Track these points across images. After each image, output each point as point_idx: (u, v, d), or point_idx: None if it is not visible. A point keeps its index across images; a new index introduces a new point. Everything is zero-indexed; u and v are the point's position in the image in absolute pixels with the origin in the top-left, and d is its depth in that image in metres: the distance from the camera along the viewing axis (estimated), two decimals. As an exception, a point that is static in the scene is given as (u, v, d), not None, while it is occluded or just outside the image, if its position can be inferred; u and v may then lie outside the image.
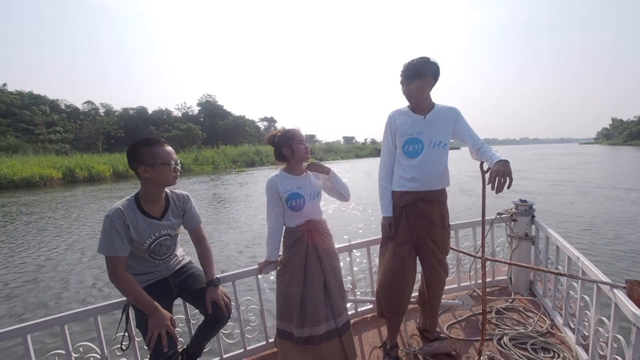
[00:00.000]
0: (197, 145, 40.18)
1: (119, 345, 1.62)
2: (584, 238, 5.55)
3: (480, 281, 1.83)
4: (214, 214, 9.21)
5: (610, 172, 16.99)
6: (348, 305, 1.93)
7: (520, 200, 2.50)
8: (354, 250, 2.33)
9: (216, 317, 1.66)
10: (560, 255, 2.09)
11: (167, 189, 1.65)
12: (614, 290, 1.45)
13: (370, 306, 2.38)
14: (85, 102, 45.31)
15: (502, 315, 2.26)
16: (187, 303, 1.81)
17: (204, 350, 1.81)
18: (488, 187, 1.52)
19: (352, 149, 56.61)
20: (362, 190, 12.74)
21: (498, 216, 2.52)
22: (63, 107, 42.14)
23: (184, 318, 1.84)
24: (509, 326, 2.13)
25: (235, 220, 8.34)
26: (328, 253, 1.78)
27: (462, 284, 2.61)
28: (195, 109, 53.23)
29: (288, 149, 1.72)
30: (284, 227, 1.81)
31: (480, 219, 1.83)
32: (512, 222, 2.52)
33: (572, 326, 1.92)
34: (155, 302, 1.50)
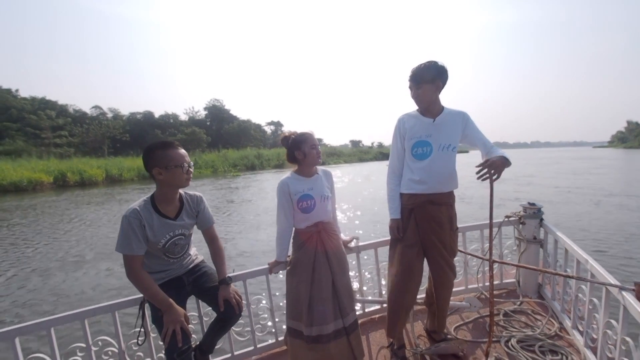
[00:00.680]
0: (202, 148, 40.57)
1: (135, 340, 1.69)
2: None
3: (487, 283, 1.84)
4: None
5: (625, 178, 16.06)
6: (356, 305, 1.96)
7: (528, 203, 2.49)
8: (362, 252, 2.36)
9: (228, 314, 1.71)
10: (569, 258, 2.09)
11: (181, 191, 1.71)
12: (623, 292, 1.45)
13: (378, 307, 2.41)
14: (93, 107, 45.86)
15: (510, 318, 2.26)
16: (200, 301, 1.87)
17: (216, 347, 1.86)
18: (484, 183, 1.56)
19: (355, 153, 56.54)
20: (353, 196, 12.40)
21: (506, 219, 2.52)
22: (72, 111, 42.80)
23: (197, 315, 1.90)
24: (516, 328, 2.13)
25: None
26: (336, 254, 1.82)
27: (469, 286, 2.62)
28: (202, 113, 53.89)
29: (300, 152, 1.76)
30: (294, 229, 1.86)
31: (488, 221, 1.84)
32: (521, 225, 2.51)
33: (581, 329, 1.92)
34: (170, 299, 1.56)
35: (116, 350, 1.73)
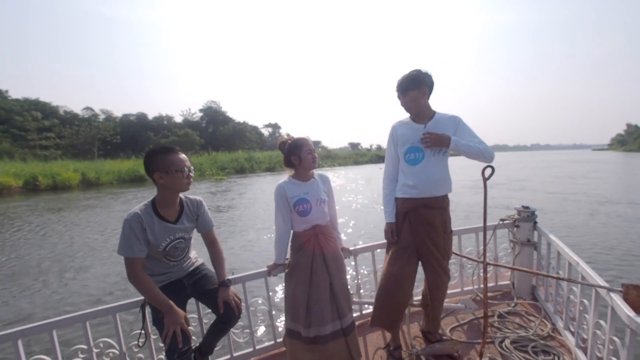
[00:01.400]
0: (194, 151, 40.04)
1: (136, 342, 1.72)
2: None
3: (482, 286, 1.89)
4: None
5: (623, 183, 15.29)
6: (353, 307, 2.00)
7: (522, 206, 2.55)
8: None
9: (227, 316, 1.74)
10: (562, 261, 2.13)
11: (181, 195, 1.75)
12: (611, 294, 1.50)
13: None
14: (84, 108, 44.88)
15: (504, 319, 2.30)
16: (199, 303, 1.91)
17: (216, 349, 1.90)
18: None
19: (351, 155, 55.54)
20: (345, 207, 10.86)
21: (501, 222, 2.57)
22: (62, 113, 41.86)
23: (197, 317, 1.94)
24: (510, 329, 2.17)
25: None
26: (333, 256, 1.86)
27: (465, 289, 2.66)
28: (198, 115, 53.44)
29: (296, 157, 1.81)
30: (292, 232, 1.90)
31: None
32: (515, 228, 2.56)
33: (572, 330, 1.96)
34: (170, 301, 1.59)
35: (117, 352, 1.75)
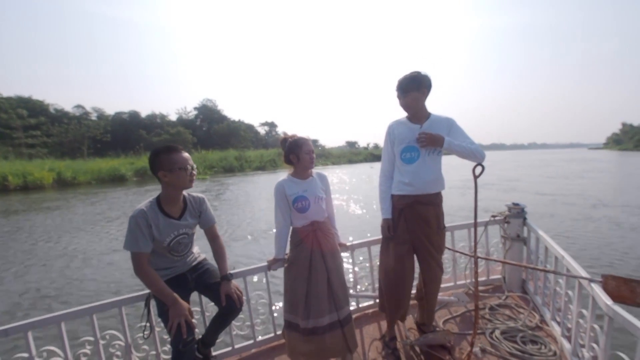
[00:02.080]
0: (187, 150, 39.25)
1: (141, 334, 1.78)
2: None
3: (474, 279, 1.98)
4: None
5: (618, 183, 14.62)
6: (350, 300, 2.07)
7: (513, 203, 2.64)
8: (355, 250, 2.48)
9: (229, 308, 1.82)
10: (549, 255, 2.23)
11: (184, 192, 1.81)
12: (592, 284, 1.60)
13: (371, 302, 2.53)
14: (75, 106, 43.01)
15: (494, 312, 2.40)
16: (202, 297, 1.98)
17: (217, 341, 1.97)
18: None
19: (346, 154, 53.73)
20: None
21: (492, 218, 2.66)
22: (52, 111, 40.03)
23: (199, 310, 2.00)
24: (500, 321, 2.27)
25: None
26: (331, 251, 1.93)
27: (458, 283, 2.75)
28: (193, 113, 52.32)
29: (295, 156, 1.88)
30: (291, 228, 1.97)
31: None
32: (506, 224, 2.66)
33: (558, 320, 2.06)
34: (175, 294, 1.66)
35: (123, 344, 1.82)
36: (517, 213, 2.59)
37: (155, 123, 45.41)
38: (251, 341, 2.17)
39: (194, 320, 1.72)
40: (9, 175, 18.39)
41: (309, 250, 1.88)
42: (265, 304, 2.23)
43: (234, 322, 2.00)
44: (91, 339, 1.75)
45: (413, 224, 1.94)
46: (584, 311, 1.68)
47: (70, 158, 28.38)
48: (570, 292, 1.88)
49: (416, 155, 1.91)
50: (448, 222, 2.12)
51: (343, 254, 2.11)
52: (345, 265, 2.18)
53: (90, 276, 5.28)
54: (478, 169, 1.84)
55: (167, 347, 1.83)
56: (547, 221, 7.77)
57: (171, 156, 1.68)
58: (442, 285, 2.68)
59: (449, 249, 2.42)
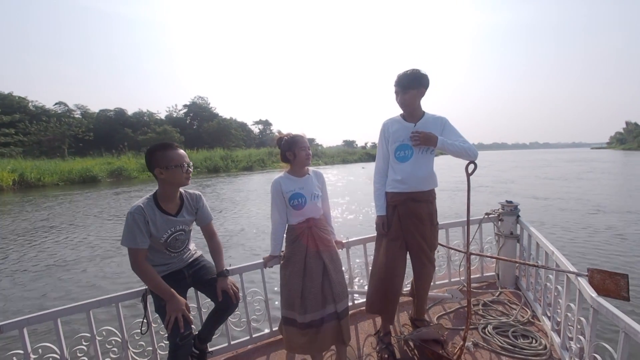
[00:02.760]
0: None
1: (138, 330, 1.80)
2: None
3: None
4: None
5: (621, 186, 13.36)
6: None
7: (506, 201, 2.69)
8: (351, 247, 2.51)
9: (226, 304, 1.84)
10: (540, 251, 2.27)
11: (181, 189, 1.84)
12: (579, 278, 1.64)
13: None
14: (56, 103, 41.51)
15: (488, 307, 2.44)
16: (198, 293, 2.00)
17: (214, 337, 1.99)
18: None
19: (340, 153, 52.25)
20: None
21: (486, 216, 2.71)
22: (32, 108, 38.15)
23: (196, 307, 2.03)
24: (493, 317, 2.31)
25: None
26: (327, 248, 1.96)
27: (452, 279, 2.79)
28: (182, 111, 50.88)
29: (291, 153, 1.91)
30: (287, 225, 2.00)
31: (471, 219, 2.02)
32: (499, 222, 2.70)
33: (549, 314, 2.10)
34: (172, 289, 1.68)
35: (119, 340, 1.84)
36: (511, 211, 2.63)
37: (142, 121, 43.93)
38: (247, 337, 2.20)
39: (190, 316, 1.75)
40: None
41: (304, 247, 1.90)
42: (262, 300, 2.25)
43: (230, 318, 2.02)
44: (88, 335, 1.77)
45: (406, 220, 1.97)
46: (572, 305, 1.72)
47: (49, 158, 27.04)
48: (559, 287, 1.92)
49: (409, 154, 1.95)
50: (442, 222, 2.14)
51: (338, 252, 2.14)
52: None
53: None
54: (471, 167, 1.88)
55: (164, 343, 1.85)
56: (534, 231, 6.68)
57: (167, 153, 1.70)
58: (437, 282, 2.73)
59: (442, 245, 2.46)
